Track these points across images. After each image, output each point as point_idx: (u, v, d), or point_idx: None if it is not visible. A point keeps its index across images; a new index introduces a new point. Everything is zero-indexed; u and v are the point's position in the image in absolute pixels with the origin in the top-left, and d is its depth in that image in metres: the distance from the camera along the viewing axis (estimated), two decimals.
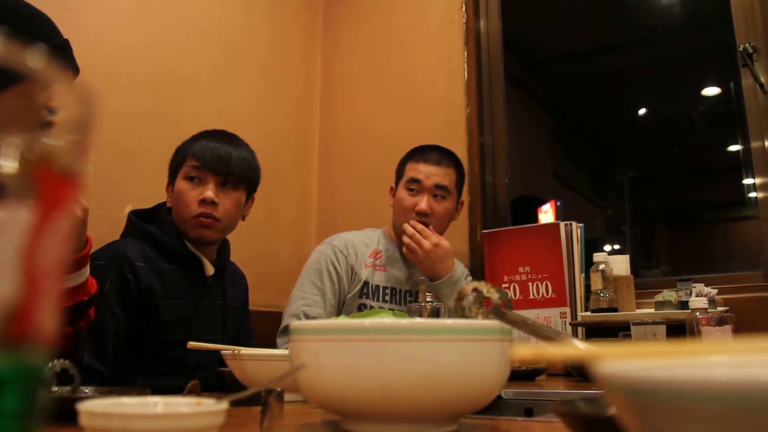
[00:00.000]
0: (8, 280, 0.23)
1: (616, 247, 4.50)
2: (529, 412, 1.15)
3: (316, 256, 1.91)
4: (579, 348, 0.47)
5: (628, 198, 4.90)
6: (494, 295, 0.73)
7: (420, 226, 1.84)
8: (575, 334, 1.81)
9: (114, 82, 1.92)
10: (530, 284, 1.99)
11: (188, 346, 1.06)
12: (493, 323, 0.63)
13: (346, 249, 1.89)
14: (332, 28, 2.88)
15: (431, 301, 1.45)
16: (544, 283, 1.97)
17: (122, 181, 1.89)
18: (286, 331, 1.79)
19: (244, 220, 1.61)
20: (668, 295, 1.74)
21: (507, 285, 2.02)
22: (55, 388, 0.79)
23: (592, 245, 2.05)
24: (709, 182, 4.78)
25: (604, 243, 4.13)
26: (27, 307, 0.24)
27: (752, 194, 2.12)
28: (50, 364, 0.72)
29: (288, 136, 2.65)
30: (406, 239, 1.84)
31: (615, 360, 0.32)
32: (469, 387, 0.60)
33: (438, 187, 1.88)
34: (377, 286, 1.88)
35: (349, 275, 1.87)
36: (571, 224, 1.97)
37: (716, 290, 1.73)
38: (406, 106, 2.60)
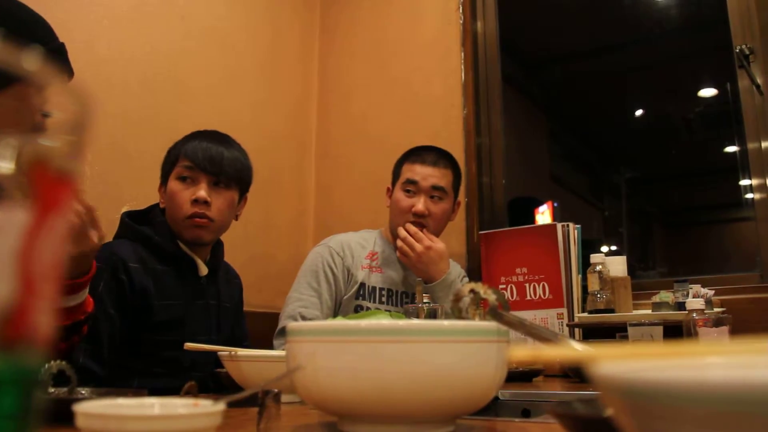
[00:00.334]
0: (4, 281, 0.23)
1: (613, 248, 4.50)
2: (526, 413, 1.15)
3: (312, 257, 1.91)
4: (576, 349, 0.47)
5: (625, 199, 4.90)
6: (491, 297, 0.73)
7: (413, 229, 1.84)
8: (572, 336, 1.81)
9: (110, 83, 1.92)
10: (527, 285, 1.99)
11: (185, 347, 1.06)
12: (490, 324, 0.63)
13: (342, 250, 1.89)
14: (329, 29, 2.88)
15: (428, 303, 1.45)
16: (541, 284, 1.97)
17: (119, 182, 1.88)
18: (283, 332, 1.79)
19: (237, 219, 1.61)
20: (665, 296, 1.74)
21: (504, 286, 2.02)
22: (51, 390, 0.79)
23: (589, 246, 2.05)
24: (706, 183, 4.78)
25: (601, 244, 4.13)
26: (23, 309, 0.24)
27: (749, 195, 2.13)
28: (47, 366, 0.72)
29: (285, 137, 2.65)
30: (399, 242, 1.84)
31: (612, 361, 0.32)
32: (466, 388, 0.60)
33: (435, 188, 1.88)
34: (374, 288, 1.88)
35: (345, 276, 1.87)
36: (568, 225, 1.97)
37: (713, 291, 1.74)
38: (403, 107, 2.60)
